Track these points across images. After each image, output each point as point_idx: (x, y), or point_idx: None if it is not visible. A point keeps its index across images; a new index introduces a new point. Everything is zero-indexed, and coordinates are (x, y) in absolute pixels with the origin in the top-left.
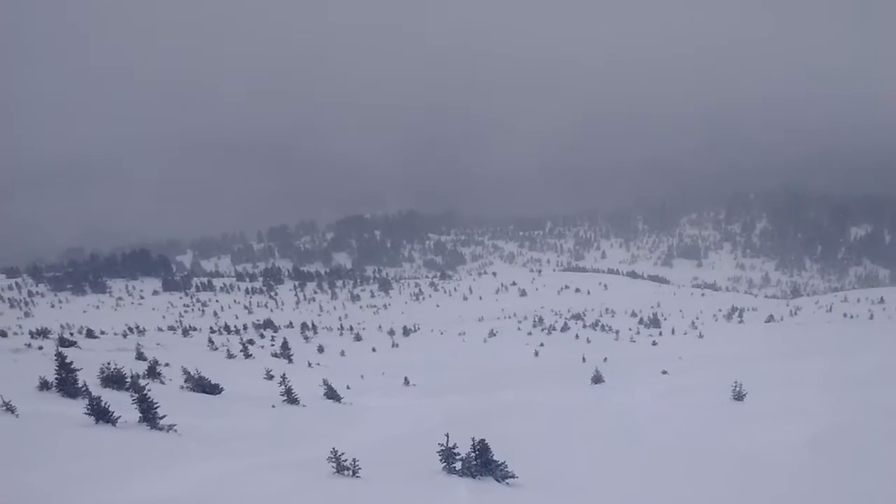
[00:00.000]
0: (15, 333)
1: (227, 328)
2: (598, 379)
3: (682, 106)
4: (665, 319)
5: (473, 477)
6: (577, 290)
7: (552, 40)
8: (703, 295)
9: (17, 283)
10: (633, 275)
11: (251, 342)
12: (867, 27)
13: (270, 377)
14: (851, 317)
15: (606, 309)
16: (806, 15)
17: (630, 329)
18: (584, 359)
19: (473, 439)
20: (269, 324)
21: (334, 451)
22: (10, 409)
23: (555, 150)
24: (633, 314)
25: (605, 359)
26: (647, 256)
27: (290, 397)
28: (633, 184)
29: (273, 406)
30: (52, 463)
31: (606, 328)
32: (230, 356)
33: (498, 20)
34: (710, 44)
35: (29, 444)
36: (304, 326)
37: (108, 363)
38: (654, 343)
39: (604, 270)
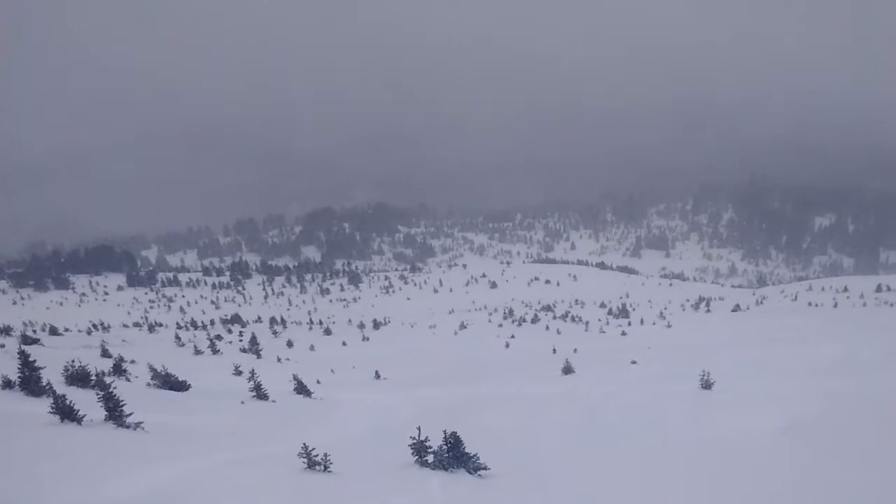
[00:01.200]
0: None
1: (193, 324)
2: (568, 370)
3: (649, 98)
4: (634, 310)
5: (446, 469)
6: (547, 282)
7: (521, 32)
8: (671, 285)
9: None
10: (602, 266)
11: (219, 338)
12: (827, 24)
13: (239, 373)
14: (816, 305)
15: (576, 300)
16: (771, 9)
17: (600, 320)
18: (554, 350)
19: (445, 432)
20: (236, 319)
21: (305, 447)
22: None
23: (523, 142)
24: (603, 305)
25: (576, 350)
26: (616, 247)
27: (260, 393)
28: (601, 175)
29: (242, 402)
30: (18, 463)
31: (576, 319)
32: (197, 352)
33: (465, 12)
34: (675, 37)
35: None
36: (272, 321)
37: (73, 361)
38: (624, 333)
39: (573, 262)
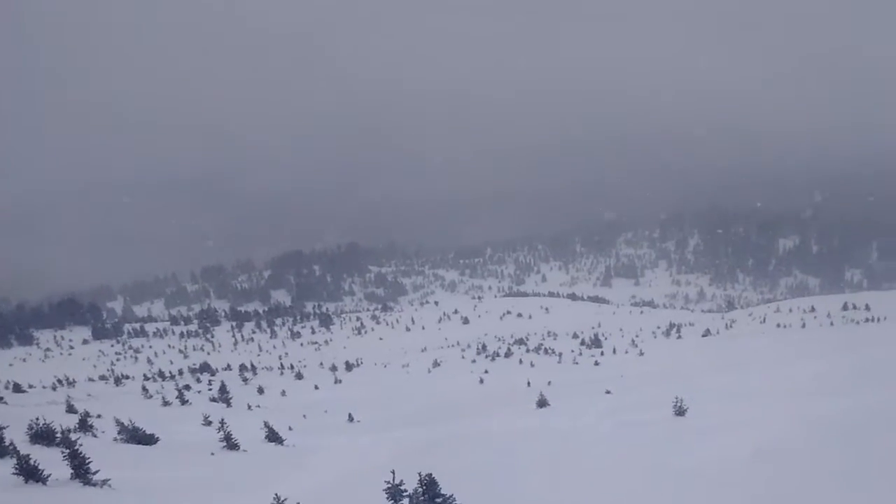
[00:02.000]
0: None
1: (161, 374)
2: (542, 403)
3: (610, 133)
4: (606, 339)
5: None
6: (519, 315)
7: (483, 75)
8: (641, 313)
9: None
10: (573, 297)
11: (187, 388)
12: (780, 52)
13: (209, 423)
14: (785, 326)
15: (549, 332)
16: (719, 41)
17: (573, 351)
18: (528, 383)
19: (420, 474)
20: (205, 367)
21: (277, 497)
22: None
23: (490, 179)
24: (575, 336)
25: (550, 382)
26: (587, 278)
27: (230, 443)
28: (569, 208)
29: (212, 453)
30: None
31: (549, 351)
32: (165, 403)
33: (429, 54)
34: (631, 72)
35: None
36: (242, 368)
37: (37, 418)
38: (597, 363)
39: (545, 294)
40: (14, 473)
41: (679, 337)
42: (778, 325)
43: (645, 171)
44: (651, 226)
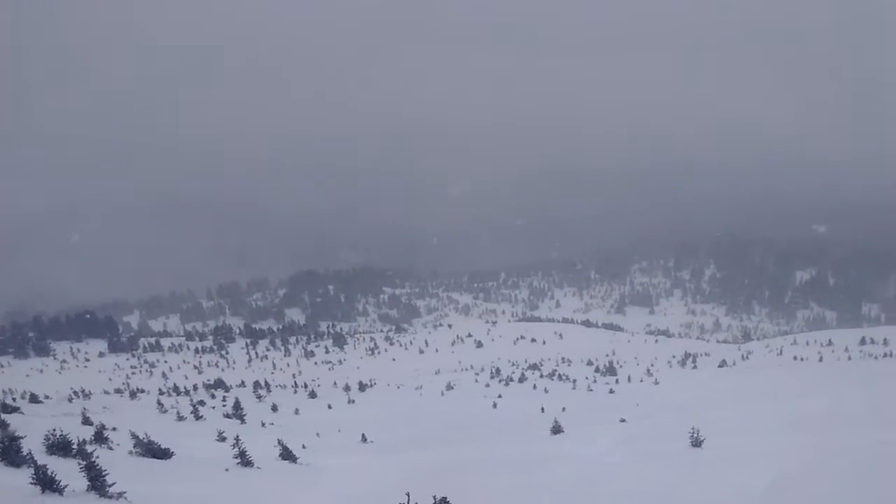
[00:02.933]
0: None
1: (176, 389)
2: (557, 429)
3: (624, 161)
4: (621, 367)
5: None
6: (533, 340)
7: (502, 101)
8: (656, 341)
9: None
10: (587, 323)
11: (202, 403)
12: (797, 81)
13: (223, 439)
14: (802, 359)
15: (563, 358)
16: (738, 72)
17: (587, 378)
18: (542, 409)
19: (434, 498)
20: (220, 384)
21: None
22: None
23: (505, 205)
24: (590, 363)
25: (564, 408)
26: (601, 305)
27: (244, 460)
28: (584, 234)
29: (226, 469)
30: None
31: (563, 377)
32: (180, 418)
33: (446, 84)
34: (647, 101)
35: None
36: (256, 385)
37: (54, 429)
38: (612, 391)
39: (559, 320)
40: (31, 483)
41: (695, 367)
42: (795, 358)
43: (660, 200)
44: (666, 255)
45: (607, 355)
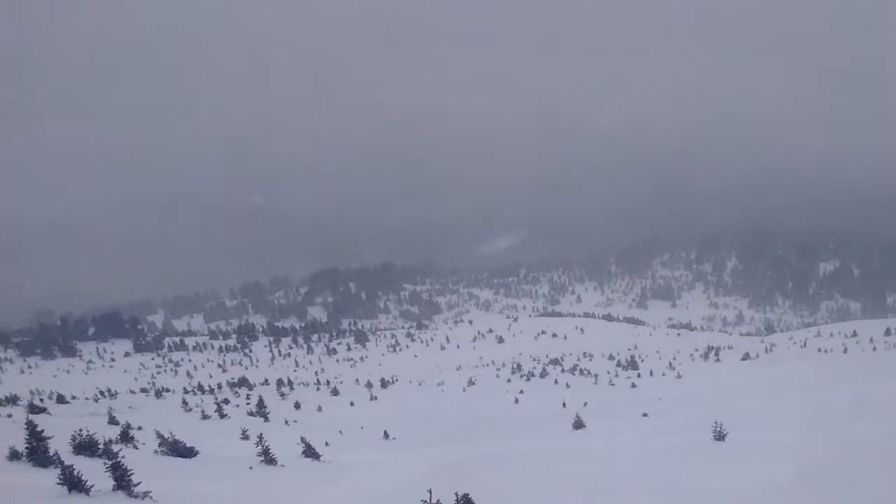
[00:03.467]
0: None
1: (200, 388)
2: (579, 424)
3: (647, 152)
4: (643, 361)
5: None
6: (554, 335)
7: (511, 97)
8: (678, 335)
9: None
10: (608, 318)
11: (226, 401)
12: (820, 79)
13: (247, 437)
14: (826, 351)
15: (584, 353)
16: (753, 60)
17: (609, 372)
18: (564, 404)
19: (457, 494)
20: (243, 382)
21: None
22: None
23: (525, 200)
24: (611, 357)
25: (586, 403)
26: (622, 299)
27: (268, 457)
28: (604, 228)
29: (251, 467)
30: None
31: (585, 372)
32: (205, 417)
33: (461, 80)
34: (664, 91)
35: None
36: (279, 383)
37: (80, 429)
38: (634, 385)
39: (579, 314)
40: (59, 483)
41: (717, 360)
42: (819, 350)
43: (681, 193)
44: (687, 247)
45: (629, 349)
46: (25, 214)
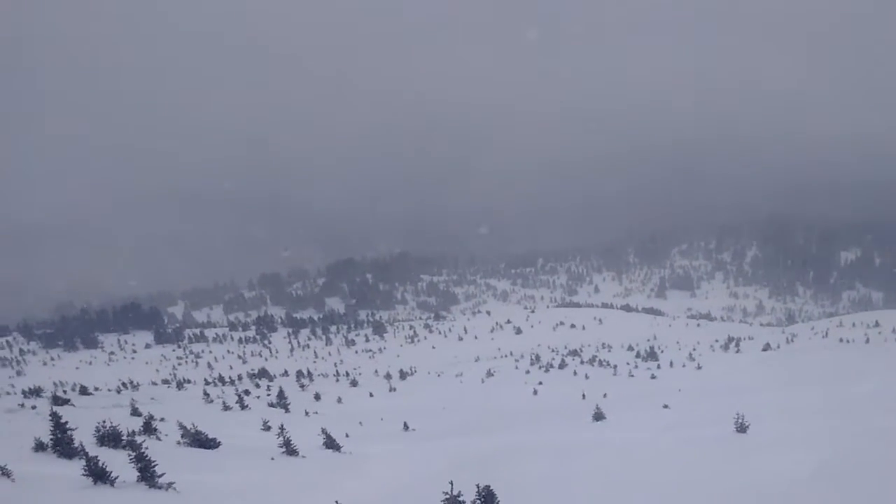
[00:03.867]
0: (7, 393)
1: (221, 379)
2: (599, 416)
3: (661, 142)
4: (662, 352)
5: None
6: (573, 326)
7: (528, 85)
8: (698, 325)
9: (7, 342)
10: (627, 308)
11: (246, 392)
12: (839, 63)
13: (268, 428)
14: (848, 342)
15: (603, 344)
16: (773, 46)
17: (628, 363)
18: (583, 396)
19: (478, 486)
20: (263, 373)
21: None
22: (5, 473)
23: (541, 189)
24: (630, 348)
25: (605, 395)
26: (641, 289)
27: (289, 448)
28: (621, 218)
29: (272, 458)
30: None
31: (604, 363)
32: (226, 408)
33: (475, 69)
34: (684, 80)
35: None
36: (299, 374)
37: (104, 421)
38: (653, 377)
39: (598, 305)
40: (83, 474)
41: (738, 351)
42: (841, 340)
43: (698, 182)
44: (706, 237)
45: (648, 340)
46: (47, 209)
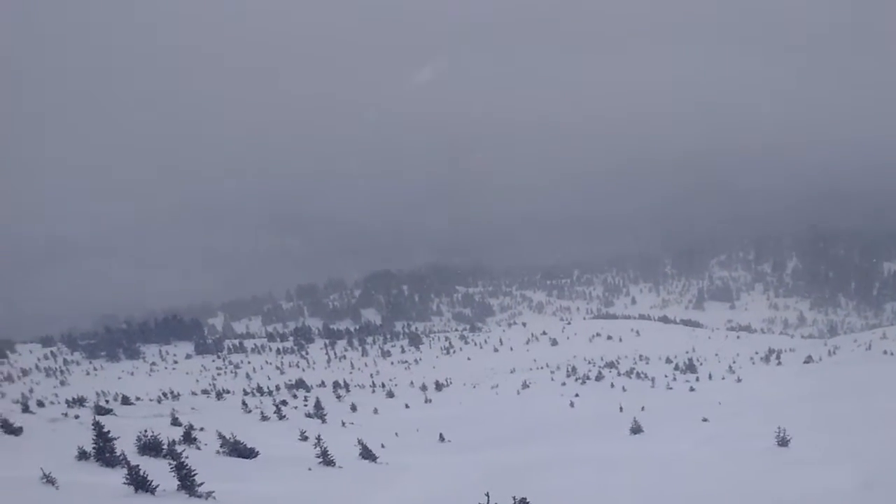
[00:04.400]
0: (52, 403)
1: (259, 390)
2: (636, 429)
3: (699, 152)
4: (701, 364)
5: None
6: (609, 338)
7: (559, 98)
8: (738, 337)
9: (52, 353)
10: (665, 320)
11: (284, 403)
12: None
13: (305, 438)
14: (892, 354)
15: (640, 356)
16: (811, 54)
17: (666, 376)
18: (621, 408)
19: (514, 498)
20: (301, 384)
21: None
22: (50, 480)
23: (576, 201)
24: (668, 360)
25: (643, 407)
26: (678, 300)
27: (326, 459)
28: (658, 229)
29: (309, 469)
30: None
31: (642, 375)
32: (264, 418)
33: (509, 84)
34: (715, 91)
35: None
36: (336, 385)
37: (145, 430)
38: (692, 389)
39: (635, 316)
40: (125, 483)
41: (779, 363)
42: (885, 353)
43: (737, 191)
44: (745, 247)
45: (686, 352)
46: (91, 223)
